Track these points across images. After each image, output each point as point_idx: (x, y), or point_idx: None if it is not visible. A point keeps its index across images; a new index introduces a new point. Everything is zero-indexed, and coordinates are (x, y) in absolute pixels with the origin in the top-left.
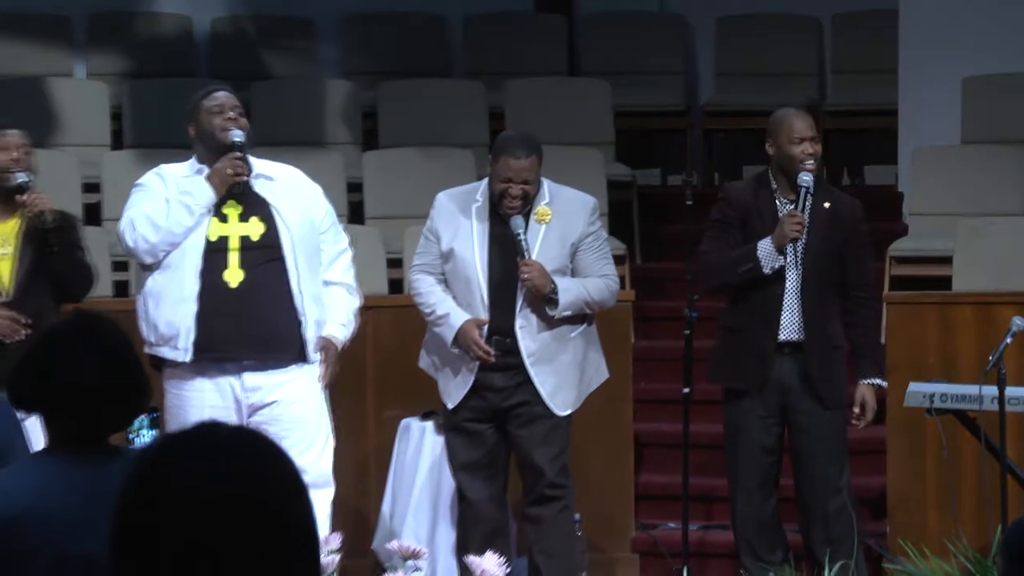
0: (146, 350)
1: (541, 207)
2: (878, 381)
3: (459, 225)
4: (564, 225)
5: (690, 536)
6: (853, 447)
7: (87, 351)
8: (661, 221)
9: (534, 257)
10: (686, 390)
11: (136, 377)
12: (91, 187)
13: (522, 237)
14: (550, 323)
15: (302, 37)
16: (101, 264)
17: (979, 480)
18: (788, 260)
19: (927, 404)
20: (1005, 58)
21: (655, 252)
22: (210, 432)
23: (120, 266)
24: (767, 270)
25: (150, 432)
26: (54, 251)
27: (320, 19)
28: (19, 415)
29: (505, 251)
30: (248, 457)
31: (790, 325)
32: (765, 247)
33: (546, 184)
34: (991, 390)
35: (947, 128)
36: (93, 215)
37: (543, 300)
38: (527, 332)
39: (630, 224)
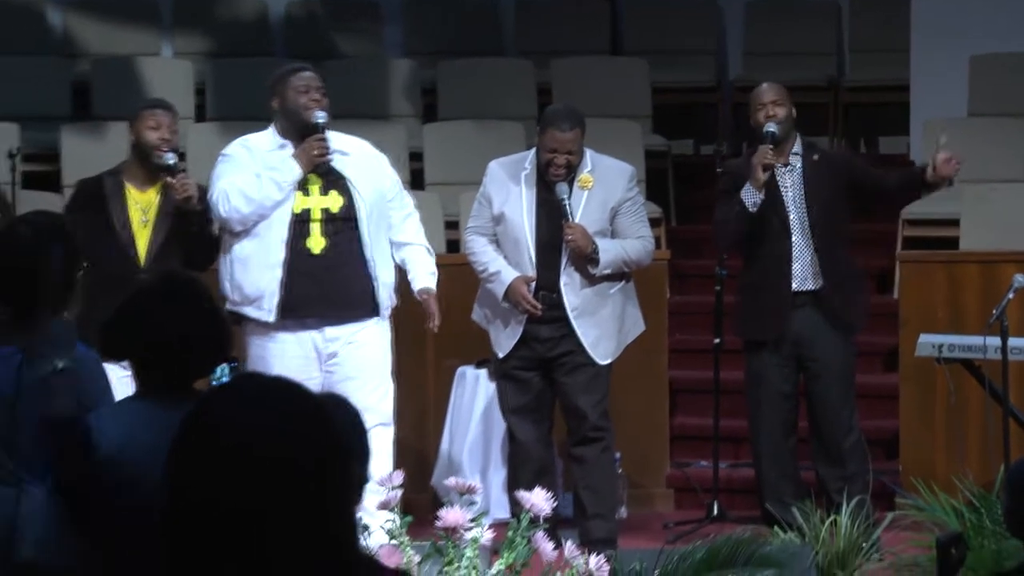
0: (228, 307)
1: (584, 174)
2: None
3: (509, 191)
4: (605, 191)
5: (720, 473)
6: (868, 393)
7: (173, 306)
8: (694, 187)
9: (577, 220)
10: (716, 341)
11: (217, 329)
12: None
13: (566, 202)
14: (592, 280)
15: (368, 20)
16: None
17: (983, 423)
18: (792, 214)
19: (936, 354)
20: (1009, 38)
21: (688, 215)
22: (253, 386)
23: None
24: (751, 207)
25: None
26: (193, 230)
27: (384, 3)
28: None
29: (550, 215)
30: (286, 413)
31: (803, 275)
32: (745, 189)
33: (588, 153)
34: (995, 341)
35: (955, 102)
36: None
37: (585, 259)
38: (571, 288)
39: (665, 190)
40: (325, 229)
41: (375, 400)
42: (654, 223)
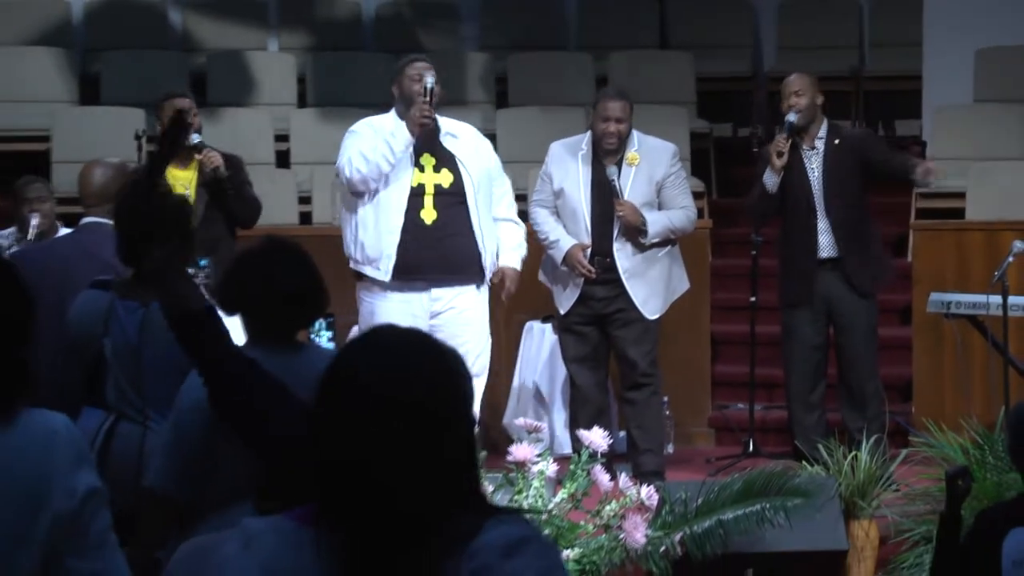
0: (351, 265)
1: (631, 153)
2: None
3: (567, 169)
4: (651, 167)
5: (755, 415)
6: (885, 344)
7: (277, 266)
8: (732, 165)
9: (626, 194)
10: (752, 299)
11: (316, 287)
12: (281, 138)
13: (616, 182)
14: (641, 246)
15: (448, 18)
16: (288, 198)
17: (986, 371)
18: (816, 193)
19: (945, 310)
20: (1010, 33)
21: (728, 189)
22: (388, 336)
23: (304, 200)
24: (770, 188)
25: (327, 332)
26: (230, 193)
27: (462, 3)
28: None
29: (604, 190)
30: (416, 358)
31: (826, 245)
32: (766, 172)
33: (635, 134)
34: (996, 299)
35: (962, 90)
36: (283, 159)
37: (635, 231)
38: (623, 253)
39: (707, 167)
40: (436, 202)
41: (475, 355)
42: (697, 196)
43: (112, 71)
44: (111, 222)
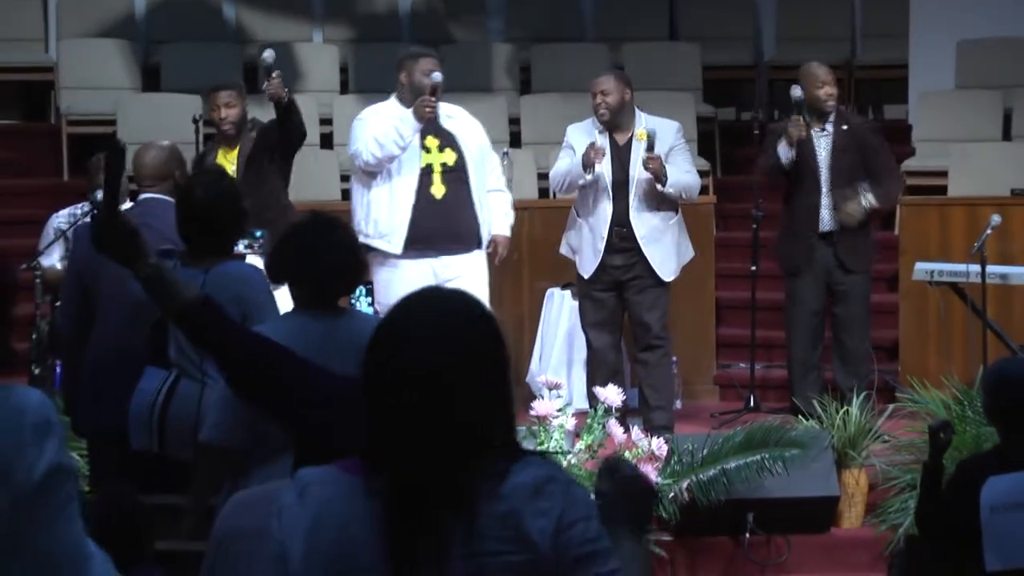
0: (360, 239)
1: (639, 129)
2: (870, 197)
3: (584, 145)
4: (658, 141)
5: (755, 373)
6: (874, 309)
7: (321, 238)
8: (735, 146)
9: (637, 166)
10: (753, 268)
11: (356, 257)
12: (325, 121)
13: (648, 139)
14: (654, 212)
15: (476, 12)
16: (332, 175)
17: (966, 333)
18: (823, 172)
19: (929, 278)
20: (988, 26)
21: (731, 168)
22: (434, 296)
23: (345, 178)
24: (784, 160)
25: (366, 298)
26: (293, 112)
27: (489, 0)
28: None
29: (621, 161)
30: (462, 314)
31: (825, 220)
32: (781, 145)
33: (642, 114)
34: (976, 268)
35: (944, 78)
36: (327, 141)
37: (657, 179)
38: (639, 222)
39: (713, 148)
40: (444, 179)
41: None
42: (703, 174)
43: (172, 61)
44: (167, 198)
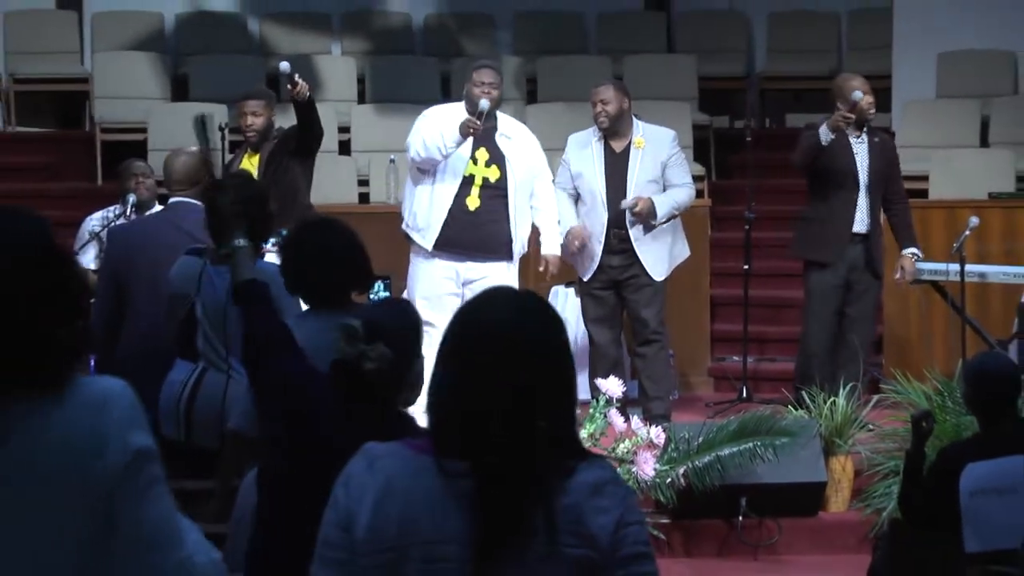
0: (403, 227)
1: (637, 137)
2: (914, 250)
3: (584, 155)
4: (655, 150)
5: (748, 366)
6: None
7: (329, 242)
8: (729, 152)
9: (635, 172)
10: (746, 267)
11: (362, 259)
12: (344, 129)
13: (631, 203)
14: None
15: (485, 27)
16: (349, 180)
17: (947, 328)
18: (862, 173)
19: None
20: (967, 39)
21: (725, 173)
22: (504, 297)
23: (363, 182)
24: (823, 140)
25: (384, 293)
26: (314, 112)
27: (498, 15)
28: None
29: (616, 170)
30: (531, 315)
31: (860, 221)
32: (822, 128)
33: (641, 123)
34: (955, 267)
35: (926, 88)
36: (344, 148)
37: (649, 218)
38: (634, 224)
39: (708, 154)
40: (482, 193)
41: None
42: (698, 179)
43: (199, 72)
44: (196, 201)
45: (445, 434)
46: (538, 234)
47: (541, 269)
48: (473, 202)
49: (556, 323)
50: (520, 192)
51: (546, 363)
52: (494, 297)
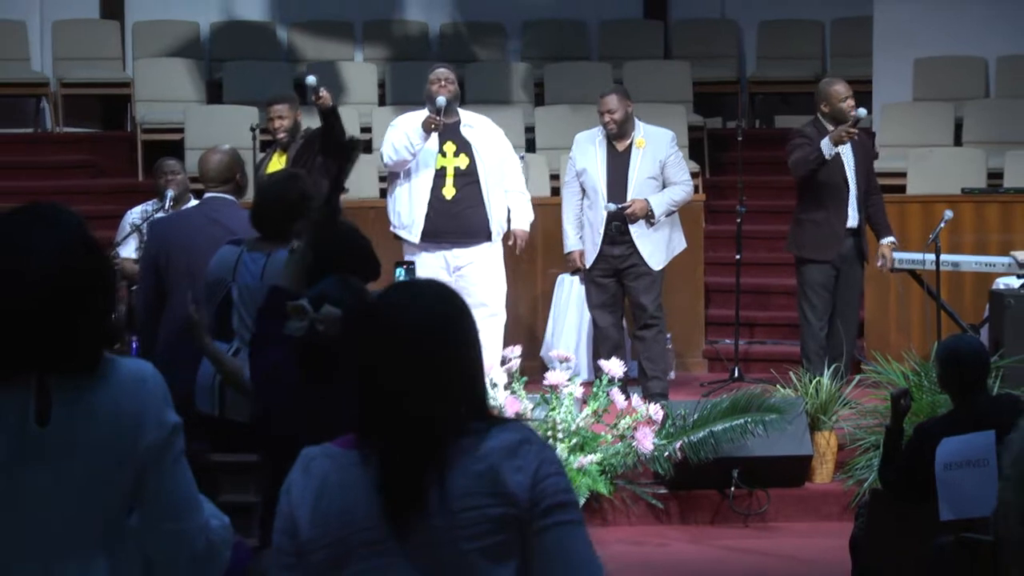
0: (390, 229)
1: (638, 138)
2: (892, 239)
3: (587, 153)
4: (654, 149)
5: (739, 348)
6: None
7: (337, 239)
8: (722, 150)
9: (635, 171)
10: (737, 256)
11: (368, 252)
12: (365, 129)
13: (614, 208)
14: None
15: (496, 35)
16: (372, 177)
17: (923, 313)
18: (850, 172)
19: (891, 265)
20: (942, 46)
21: (718, 170)
22: (411, 285)
23: (384, 179)
24: (827, 155)
25: (407, 278)
26: (337, 119)
27: (508, 24)
28: None
29: (617, 168)
30: (429, 299)
31: (852, 217)
32: (824, 141)
33: (641, 124)
34: (930, 256)
35: (903, 91)
36: (366, 147)
37: (647, 218)
38: (634, 221)
39: (702, 152)
40: (455, 182)
41: (491, 298)
42: (693, 175)
43: (232, 77)
44: (230, 197)
45: (360, 419)
46: (509, 213)
47: (511, 243)
48: (449, 191)
49: (451, 310)
50: (491, 176)
51: (431, 345)
52: (397, 287)
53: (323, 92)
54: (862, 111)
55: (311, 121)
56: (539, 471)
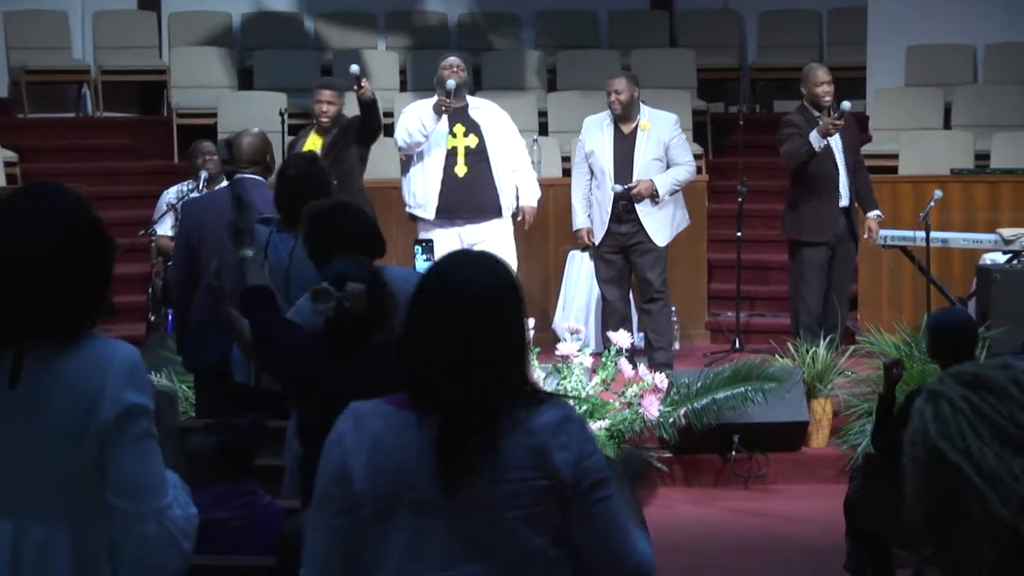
0: (406, 209)
1: (643, 121)
2: (878, 212)
3: (595, 136)
4: (659, 132)
5: (740, 320)
6: None
7: (346, 220)
8: (724, 134)
9: (640, 152)
10: (738, 233)
11: (375, 232)
12: (387, 114)
13: (620, 189)
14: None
15: (511, 24)
16: (392, 159)
17: (913, 287)
18: (839, 156)
19: (883, 241)
20: (933, 34)
21: (721, 152)
22: (463, 256)
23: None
24: (817, 148)
25: (424, 255)
26: (376, 111)
27: (522, 13)
28: None
29: (623, 150)
30: (486, 272)
31: (843, 196)
32: (813, 134)
33: (646, 108)
34: (921, 234)
35: (896, 77)
36: (388, 131)
37: (652, 198)
38: (640, 200)
39: (705, 136)
40: (467, 160)
41: None
42: (697, 157)
43: (262, 65)
44: (259, 178)
45: (415, 384)
46: (517, 191)
47: (520, 219)
48: (461, 169)
49: (506, 284)
50: (500, 155)
51: (493, 318)
52: (454, 258)
53: (365, 83)
54: (846, 104)
55: (350, 111)
56: (582, 450)
